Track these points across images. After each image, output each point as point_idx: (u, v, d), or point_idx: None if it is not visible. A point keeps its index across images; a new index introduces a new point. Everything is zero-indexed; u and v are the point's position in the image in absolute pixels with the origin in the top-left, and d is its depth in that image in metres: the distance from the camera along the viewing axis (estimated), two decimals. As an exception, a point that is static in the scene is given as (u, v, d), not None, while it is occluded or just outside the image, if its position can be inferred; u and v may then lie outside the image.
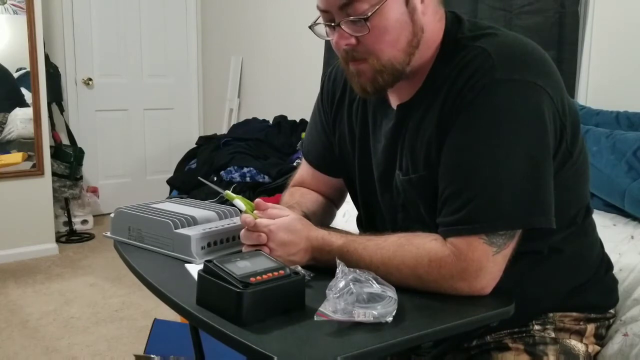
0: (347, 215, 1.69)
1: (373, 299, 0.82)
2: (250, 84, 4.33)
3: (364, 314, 0.80)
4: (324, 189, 1.28)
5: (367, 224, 1.21)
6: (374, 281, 0.85)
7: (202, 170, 3.43)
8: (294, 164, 3.17)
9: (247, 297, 0.80)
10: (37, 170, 3.57)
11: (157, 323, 2.29)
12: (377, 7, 0.94)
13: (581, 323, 1.08)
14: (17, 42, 3.49)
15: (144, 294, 2.85)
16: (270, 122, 3.85)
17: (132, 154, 4.63)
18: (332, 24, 0.98)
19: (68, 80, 4.26)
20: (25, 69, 3.50)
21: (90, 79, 4.34)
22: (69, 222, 4.06)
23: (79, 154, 4.01)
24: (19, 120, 3.52)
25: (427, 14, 0.99)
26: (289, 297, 0.85)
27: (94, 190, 4.30)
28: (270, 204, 1.06)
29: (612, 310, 1.15)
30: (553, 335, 1.06)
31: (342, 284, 0.83)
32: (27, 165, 3.56)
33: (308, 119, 1.32)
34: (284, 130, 3.66)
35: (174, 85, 4.76)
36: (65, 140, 4.11)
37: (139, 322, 2.71)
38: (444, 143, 0.96)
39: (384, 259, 0.95)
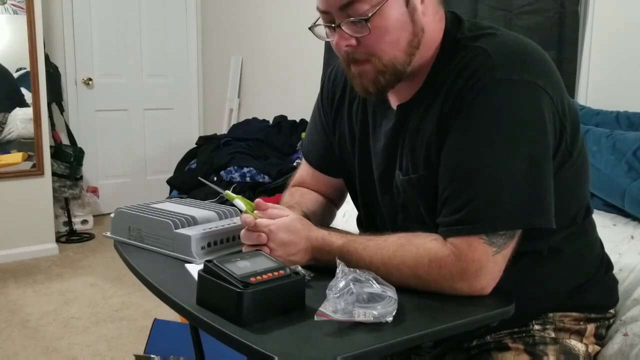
0: (347, 215, 1.69)
1: (373, 299, 0.82)
2: (250, 84, 4.34)
3: (364, 314, 0.80)
4: (324, 189, 1.28)
5: (367, 224, 1.21)
6: (374, 281, 0.85)
7: (202, 170, 3.43)
8: (294, 164, 3.17)
9: (247, 297, 0.80)
10: (37, 170, 3.57)
11: (157, 323, 2.30)
12: (378, 7, 0.93)
13: (581, 323, 1.08)
14: (17, 42, 3.49)
15: (144, 294, 2.85)
16: (270, 122, 3.85)
17: (132, 154, 4.63)
18: (332, 25, 0.98)
19: (68, 80, 4.26)
20: (25, 69, 3.50)
21: (90, 79, 4.34)
22: (69, 222, 4.06)
23: (79, 154, 4.01)
24: (19, 120, 3.52)
25: (427, 14, 0.99)
26: (289, 297, 0.85)
27: (94, 190, 4.31)
28: (270, 204, 1.06)
29: (612, 310, 1.15)
30: (553, 335, 1.06)
31: (342, 284, 0.83)
32: (27, 165, 3.56)
33: (308, 119, 1.32)
34: (284, 130, 3.66)
35: (174, 85, 4.76)
36: (65, 140, 4.11)
37: (139, 322, 2.71)
38: (444, 143, 0.96)
39: (384, 259, 0.95)
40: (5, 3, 3.40)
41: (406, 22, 0.96)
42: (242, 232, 1.02)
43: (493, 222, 0.90)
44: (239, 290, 0.80)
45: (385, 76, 0.99)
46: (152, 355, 2.05)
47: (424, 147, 1.00)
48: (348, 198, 1.30)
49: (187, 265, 1.04)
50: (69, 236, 4.01)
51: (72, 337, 2.56)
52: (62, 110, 4.13)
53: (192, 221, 1.13)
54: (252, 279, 0.82)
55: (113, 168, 4.56)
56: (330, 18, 0.99)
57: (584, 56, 2.35)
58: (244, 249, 1.02)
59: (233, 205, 1.11)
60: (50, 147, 3.70)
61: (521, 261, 0.97)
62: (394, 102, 1.08)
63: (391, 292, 0.84)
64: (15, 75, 3.53)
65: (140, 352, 2.22)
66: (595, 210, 1.16)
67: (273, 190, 3.03)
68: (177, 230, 1.09)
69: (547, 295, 1.05)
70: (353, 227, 1.24)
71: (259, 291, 0.81)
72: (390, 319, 0.81)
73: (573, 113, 0.99)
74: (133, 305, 2.91)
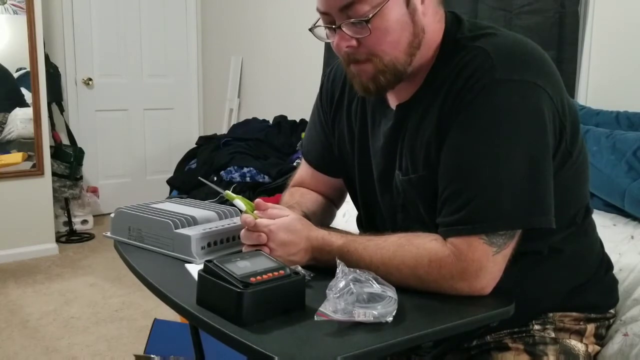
0: (347, 215, 1.69)
1: (373, 299, 0.82)
2: (250, 84, 4.34)
3: (364, 314, 0.80)
4: (323, 189, 1.28)
5: (367, 224, 1.21)
6: (374, 281, 0.85)
7: (202, 170, 3.43)
8: (294, 164, 3.17)
9: (247, 297, 0.80)
10: (37, 170, 3.57)
11: (157, 323, 2.29)
12: (378, 8, 0.93)
13: (581, 323, 1.08)
14: (17, 42, 3.49)
15: (144, 294, 2.86)
16: (270, 122, 3.85)
17: (132, 154, 4.63)
18: (333, 26, 0.98)
19: (68, 80, 4.26)
20: (25, 69, 3.50)
21: (90, 79, 4.34)
22: (69, 222, 4.06)
23: (79, 154, 4.01)
24: (19, 120, 3.52)
25: (428, 15, 0.99)
26: (289, 297, 0.85)
27: (94, 190, 4.31)
28: (270, 204, 1.06)
29: (612, 310, 1.15)
30: (553, 335, 1.06)
31: (342, 284, 0.83)
32: (27, 165, 3.56)
33: (308, 119, 1.32)
34: (284, 130, 3.66)
35: (174, 85, 4.76)
36: (65, 140, 4.11)
37: (139, 322, 2.71)
38: (443, 143, 0.96)
39: (384, 259, 0.95)
40: (5, 3, 3.40)
41: (407, 23, 0.96)
42: (242, 232, 1.02)
43: (493, 222, 0.90)
44: (239, 290, 0.80)
45: (386, 76, 0.99)
46: (152, 355, 2.05)
47: (424, 147, 1.00)
48: (348, 198, 1.30)
49: (187, 265, 1.04)
50: (69, 236, 4.01)
51: (72, 337, 2.56)
52: (62, 110, 4.13)
53: (192, 221, 1.13)
54: (252, 279, 0.82)
55: (113, 168, 4.56)
56: (330, 19, 0.98)
57: (584, 56, 2.35)
58: (244, 249, 1.02)
59: (233, 205, 1.11)
60: (50, 147, 3.70)
61: (521, 261, 0.97)
62: (393, 102, 1.08)
63: (391, 292, 0.84)
64: (15, 75, 3.53)
65: (140, 352, 2.21)
66: (595, 210, 1.16)
67: (273, 190, 3.03)
68: (177, 230, 1.10)
69: (547, 295, 1.05)
70: (353, 227, 1.24)
71: (259, 291, 0.81)
72: (390, 319, 0.81)
73: (573, 113, 0.99)
74: (133, 305, 2.91)
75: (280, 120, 3.76)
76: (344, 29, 0.97)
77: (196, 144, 4.01)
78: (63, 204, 4.04)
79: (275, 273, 0.85)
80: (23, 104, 3.54)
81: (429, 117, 0.99)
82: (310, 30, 1.05)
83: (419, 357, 1.12)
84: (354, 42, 0.97)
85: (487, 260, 0.90)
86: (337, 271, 0.86)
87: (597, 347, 1.12)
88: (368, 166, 1.14)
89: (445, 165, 0.95)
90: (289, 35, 3.86)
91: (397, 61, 0.98)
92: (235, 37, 4.41)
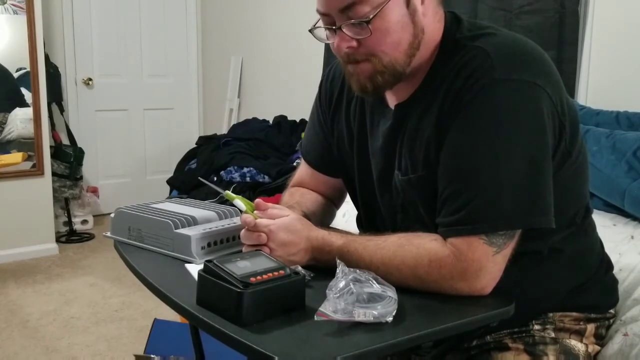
0: (347, 215, 1.69)
1: (373, 299, 0.82)
2: (250, 84, 4.34)
3: (364, 314, 0.80)
4: (323, 189, 1.28)
5: (367, 224, 1.21)
6: (374, 281, 0.85)
7: (202, 170, 3.43)
8: (294, 164, 3.17)
9: (247, 297, 0.80)
10: (37, 170, 3.57)
11: (157, 323, 2.29)
12: (379, 9, 0.93)
13: (581, 323, 1.08)
14: (17, 42, 3.49)
15: (144, 294, 2.85)
16: (270, 122, 3.85)
17: (132, 154, 4.63)
18: (333, 27, 0.98)
19: (68, 80, 4.26)
20: (25, 69, 3.50)
21: (90, 79, 4.34)
22: (69, 222, 4.06)
23: (79, 154, 4.01)
24: (19, 120, 3.52)
25: (428, 15, 0.99)
26: (289, 297, 0.85)
27: (94, 190, 4.31)
28: (270, 204, 1.06)
29: (612, 310, 1.15)
30: (553, 335, 1.06)
31: (342, 284, 0.83)
32: (27, 165, 3.56)
33: (308, 119, 1.32)
34: (284, 130, 3.66)
35: (174, 85, 4.76)
36: (65, 140, 4.11)
37: (139, 322, 2.71)
38: (443, 143, 0.96)
39: (384, 259, 0.95)
40: (5, 3, 3.40)
41: (407, 24, 0.96)
42: (242, 232, 1.02)
43: (493, 222, 0.90)
44: (239, 290, 0.80)
45: (384, 76, 0.99)
46: (152, 355, 2.05)
47: (423, 147, 1.00)
48: (348, 198, 1.30)
49: (187, 265, 1.04)
50: (69, 236, 4.01)
51: (72, 337, 2.56)
52: (62, 110, 4.13)
53: (192, 221, 1.13)
54: (252, 279, 0.82)
55: (113, 168, 4.56)
56: (330, 20, 0.98)
57: (584, 56, 2.35)
58: (244, 249, 1.02)
59: (233, 205, 1.11)
60: (50, 147, 3.70)
61: (521, 261, 0.97)
62: (391, 101, 1.08)
63: (391, 292, 0.84)
64: (15, 75, 3.53)
65: (140, 352, 2.21)
66: (595, 210, 1.16)
67: (273, 190, 3.03)
68: (177, 230, 1.10)
69: (547, 295, 1.05)
70: (353, 227, 1.24)
71: (259, 291, 0.81)
72: (390, 319, 0.81)
73: (572, 113, 0.99)
74: (133, 305, 2.91)
75: (280, 120, 3.76)
76: (344, 30, 0.97)
77: (196, 144, 4.01)
78: (63, 204, 4.04)
79: (275, 273, 0.85)
80: (23, 104, 3.54)
81: (428, 117, 0.99)
82: (310, 31, 1.04)
83: (419, 357, 1.12)
84: (354, 43, 0.97)
85: (487, 260, 0.90)
86: (337, 271, 0.86)
87: (597, 347, 1.12)
88: (367, 166, 1.14)
89: (445, 165, 0.95)
90: (289, 35, 3.86)
91: (397, 62, 0.98)
92: (235, 37, 4.41)
